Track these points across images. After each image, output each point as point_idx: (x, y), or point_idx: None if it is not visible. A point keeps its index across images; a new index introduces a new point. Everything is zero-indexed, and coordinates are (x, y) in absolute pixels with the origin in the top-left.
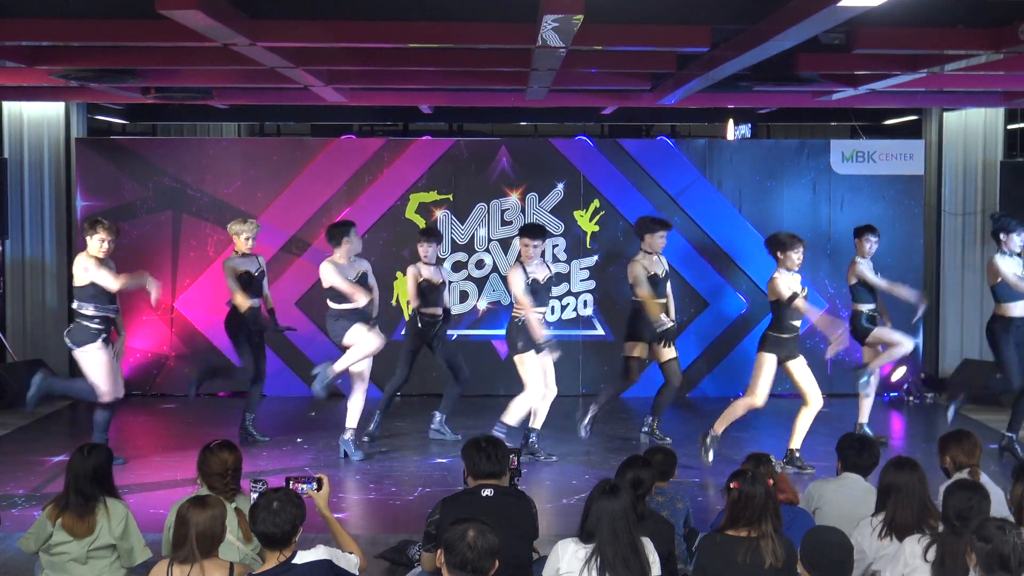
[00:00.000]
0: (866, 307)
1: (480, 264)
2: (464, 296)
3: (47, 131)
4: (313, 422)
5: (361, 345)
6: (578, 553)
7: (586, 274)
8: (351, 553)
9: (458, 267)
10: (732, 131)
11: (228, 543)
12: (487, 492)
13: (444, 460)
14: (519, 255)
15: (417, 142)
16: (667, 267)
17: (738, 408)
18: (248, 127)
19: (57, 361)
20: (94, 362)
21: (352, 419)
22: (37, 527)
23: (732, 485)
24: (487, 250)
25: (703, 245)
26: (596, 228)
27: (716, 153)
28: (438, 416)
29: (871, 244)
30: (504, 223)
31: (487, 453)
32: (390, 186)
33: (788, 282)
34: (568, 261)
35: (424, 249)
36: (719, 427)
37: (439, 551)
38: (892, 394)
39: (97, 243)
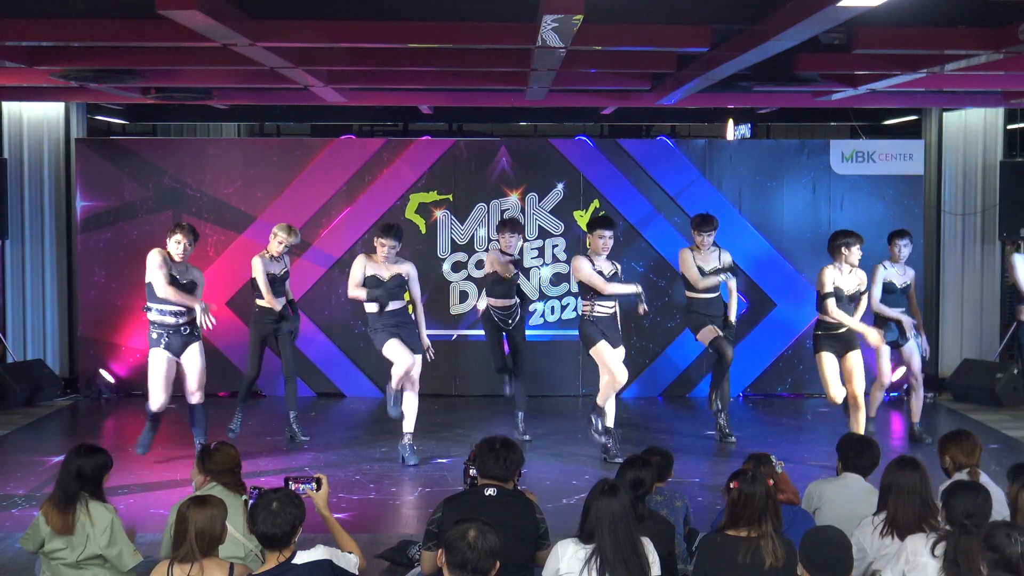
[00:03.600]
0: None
1: (480, 264)
2: (464, 296)
3: (47, 131)
4: (313, 422)
5: (395, 364)
6: (578, 553)
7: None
8: (351, 553)
9: (458, 267)
10: (732, 131)
11: (234, 539)
12: (490, 492)
13: (444, 460)
14: (587, 246)
15: (417, 142)
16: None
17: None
18: (248, 127)
19: (58, 361)
20: (151, 366)
21: (409, 423)
22: (34, 526)
23: (732, 485)
24: (487, 250)
25: None
26: None
27: (716, 153)
28: (520, 415)
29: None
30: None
31: (497, 455)
32: (390, 186)
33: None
34: (568, 261)
35: (506, 241)
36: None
37: (440, 551)
38: (892, 394)
39: (174, 245)
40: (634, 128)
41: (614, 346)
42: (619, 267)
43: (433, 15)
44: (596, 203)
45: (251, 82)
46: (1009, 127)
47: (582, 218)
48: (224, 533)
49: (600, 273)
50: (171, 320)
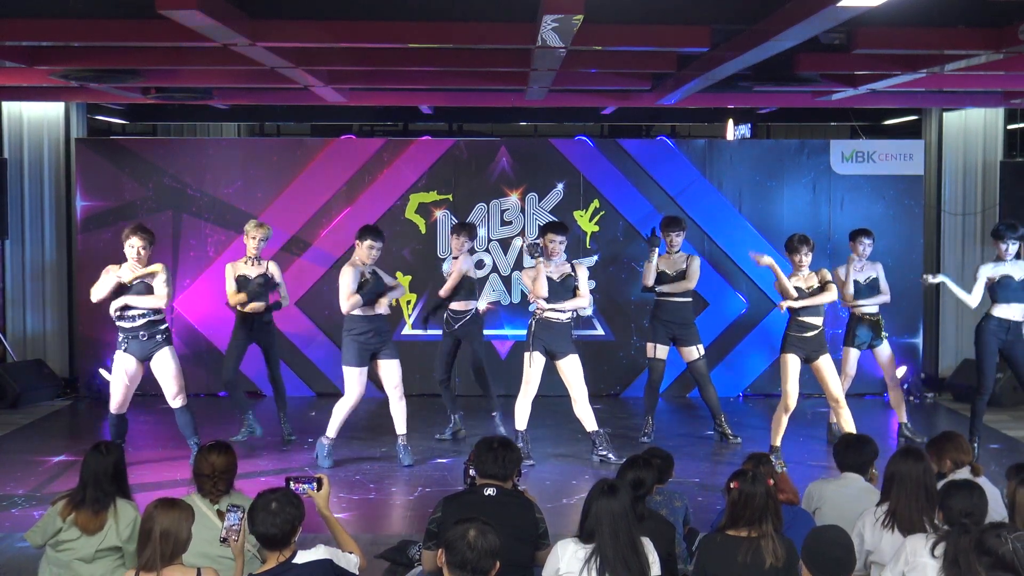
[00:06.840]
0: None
1: (480, 264)
2: None
3: (47, 131)
4: (313, 422)
5: (346, 394)
6: (578, 553)
7: (586, 274)
8: (351, 553)
9: None
10: (732, 131)
11: (214, 526)
12: (490, 491)
13: (444, 460)
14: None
15: (417, 142)
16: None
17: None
18: (248, 127)
19: (58, 361)
20: (113, 368)
21: (401, 425)
22: (45, 521)
23: (732, 485)
24: (487, 250)
25: (703, 245)
26: (596, 228)
27: (716, 153)
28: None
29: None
30: (504, 223)
31: (495, 455)
32: (390, 186)
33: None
34: (569, 261)
35: (457, 243)
36: (776, 440)
37: (440, 551)
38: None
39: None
40: (634, 128)
41: (560, 356)
42: (574, 271)
43: (433, 15)
44: (596, 203)
45: (251, 82)
46: (1009, 127)
47: (582, 218)
48: (189, 540)
49: (548, 278)
50: (127, 325)
